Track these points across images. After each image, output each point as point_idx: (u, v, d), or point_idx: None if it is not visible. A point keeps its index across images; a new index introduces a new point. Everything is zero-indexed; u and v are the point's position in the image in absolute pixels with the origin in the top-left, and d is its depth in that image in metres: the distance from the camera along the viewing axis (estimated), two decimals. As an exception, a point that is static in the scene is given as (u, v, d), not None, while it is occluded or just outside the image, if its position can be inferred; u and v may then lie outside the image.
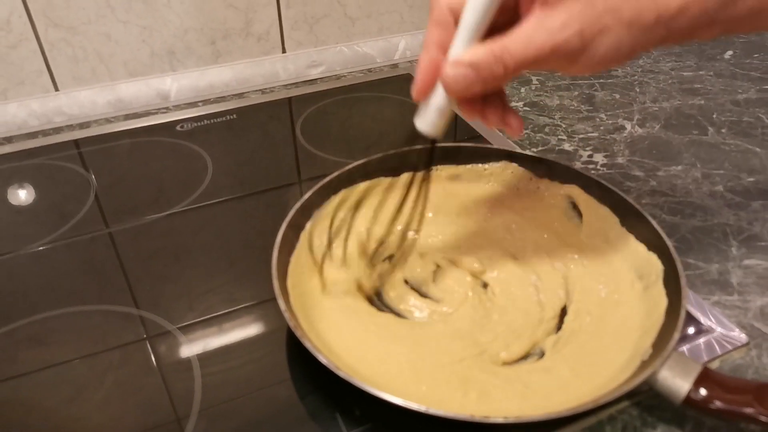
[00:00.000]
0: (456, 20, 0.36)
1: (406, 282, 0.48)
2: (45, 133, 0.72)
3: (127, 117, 0.74)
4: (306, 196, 0.50)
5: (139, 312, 0.48)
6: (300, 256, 0.48)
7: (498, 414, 0.35)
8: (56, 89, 0.73)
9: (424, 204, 0.46)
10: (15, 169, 0.65)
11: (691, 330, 0.45)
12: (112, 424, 0.40)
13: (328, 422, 0.39)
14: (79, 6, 0.69)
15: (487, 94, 0.40)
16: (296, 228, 0.49)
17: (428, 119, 0.39)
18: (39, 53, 0.70)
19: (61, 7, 0.68)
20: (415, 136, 0.40)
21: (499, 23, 0.36)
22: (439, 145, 0.57)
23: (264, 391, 0.42)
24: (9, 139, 0.70)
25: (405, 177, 0.45)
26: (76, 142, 0.69)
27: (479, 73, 0.35)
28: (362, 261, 0.48)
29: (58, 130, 0.72)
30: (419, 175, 0.45)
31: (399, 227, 0.47)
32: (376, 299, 0.47)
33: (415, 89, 0.38)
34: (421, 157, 0.43)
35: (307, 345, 0.37)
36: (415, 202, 0.46)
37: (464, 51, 0.35)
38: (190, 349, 0.45)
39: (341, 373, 0.36)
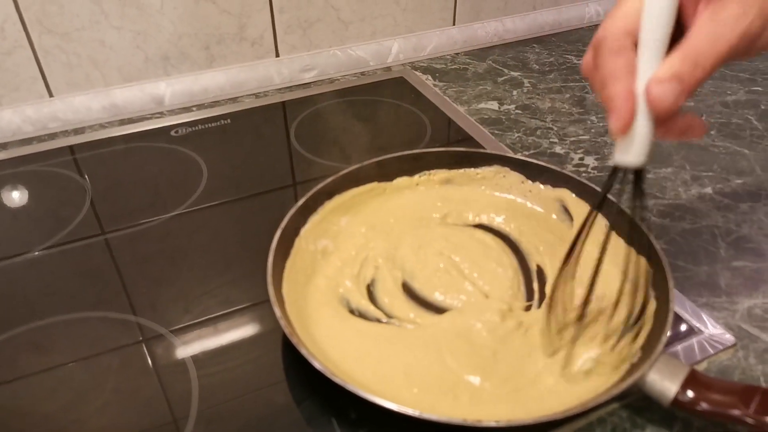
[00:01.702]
0: (633, 42, 0.35)
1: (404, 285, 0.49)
2: (40, 139, 0.72)
3: (122, 122, 0.75)
4: (300, 201, 0.51)
5: (136, 316, 0.48)
6: (295, 262, 0.48)
7: (490, 418, 0.35)
8: (51, 95, 0.73)
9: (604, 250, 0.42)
10: (10, 176, 0.66)
11: (679, 331, 0.45)
12: (110, 427, 0.41)
13: (324, 426, 0.40)
14: (72, 13, 0.69)
15: None
16: (291, 233, 0.50)
17: (635, 149, 0.36)
18: (33, 60, 0.70)
19: (54, 14, 0.68)
20: (618, 172, 0.38)
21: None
22: (434, 150, 0.59)
23: (260, 393, 0.43)
24: (4, 146, 0.71)
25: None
26: (71, 148, 0.70)
27: (684, 83, 0.34)
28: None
29: (52, 136, 0.72)
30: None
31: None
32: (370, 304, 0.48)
33: (620, 123, 0.35)
34: (633, 191, 0.39)
35: (303, 352, 0.38)
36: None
37: (659, 68, 0.34)
38: (186, 351, 0.45)
39: (336, 379, 0.37)
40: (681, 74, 0.33)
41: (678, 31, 0.34)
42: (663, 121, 0.36)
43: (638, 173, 0.38)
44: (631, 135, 0.36)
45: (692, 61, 0.33)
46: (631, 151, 0.36)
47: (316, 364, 0.37)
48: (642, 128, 0.35)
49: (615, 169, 0.37)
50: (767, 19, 0.34)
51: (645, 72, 0.34)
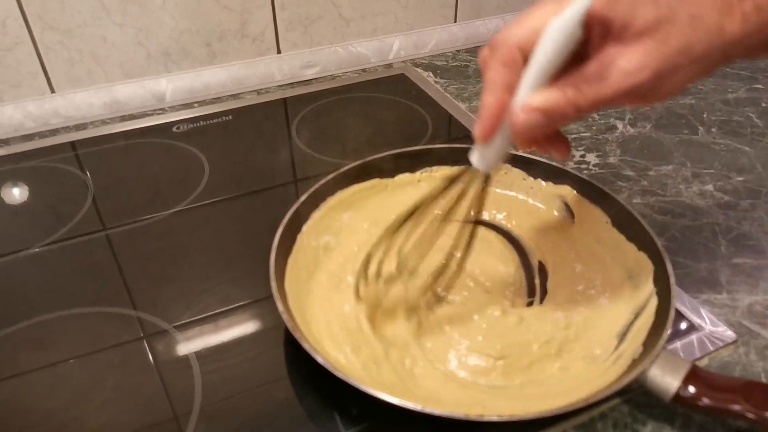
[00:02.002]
0: (525, 59, 0.35)
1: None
2: (41, 135, 0.72)
3: (123, 118, 0.75)
4: (302, 198, 0.51)
5: (137, 312, 0.48)
6: (297, 258, 0.48)
7: (492, 413, 0.35)
8: (52, 91, 0.73)
9: (471, 235, 0.44)
10: (12, 172, 0.66)
11: (680, 328, 0.46)
12: (112, 424, 0.41)
13: (326, 421, 0.40)
14: (74, 9, 0.69)
15: None
16: (293, 230, 0.50)
17: (487, 158, 0.38)
18: (35, 55, 0.70)
19: (56, 10, 0.68)
20: (468, 169, 0.40)
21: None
22: (435, 146, 0.59)
23: (262, 389, 0.43)
24: (5, 142, 0.71)
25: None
26: (73, 144, 0.70)
27: (551, 117, 0.34)
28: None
29: (54, 132, 0.72)
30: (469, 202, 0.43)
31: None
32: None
33: (481, 132, 0.36)
34: (476, 192, 0.41)
35: (306, 346, 0.38)
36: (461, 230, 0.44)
37: (535, 93, 0.34)
38: (189, 347, 0.45)
39: (338, 374, 0.37)
40: (550, 108, 0.33)
41: (581, 56, 0.34)
42: (522, 142, 0.36)
43: (486, 177, 0.40)
44: (489, 144, 0.37)
45: (569, 100, 0.33)
46: (484, 159, 0.38)
47: (319, 359, 0.38)
48: (500, 142, 0.37)
49: (467, 168, 0.39)
50: (662, 80, 0.33)
51: (523, 92, 0.34)
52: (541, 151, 0.40)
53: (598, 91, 0.33)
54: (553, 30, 0.33)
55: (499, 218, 0.55)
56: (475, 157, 0.39)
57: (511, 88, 0.35)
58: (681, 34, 0.32)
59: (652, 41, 0.32)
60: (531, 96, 0.34)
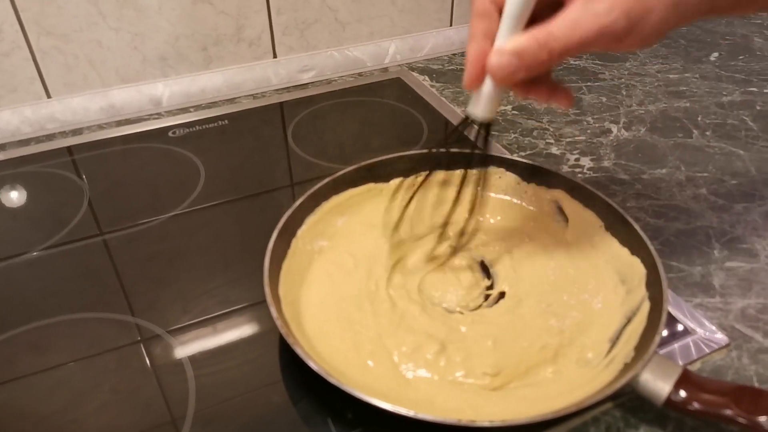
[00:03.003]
0: (499, 11, 0.37)
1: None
2: (38, 139, 0.72)
3: (120, 123, 0.75)
4: (297, 202, 0.51)
5: (134, 317, 0.49)
6: (292, 263, 0.48)
7: (484, 418, 0.36)
8: (48, 96, 0.73)
9: (483, 185, 0.48)
10: (8, 177, 0.66)
11: (673, 332, 0.46)
12: (109, 427, 0.41)
13: (320, 425, 0.40)
14: (70, 14, 0.69)
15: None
16: (288, 235, 0.50)
17: (480, 105, 0.41)
18: (31, 61, 0.70)
19: (52, 15, 0.69)
20: (468, 121, 0.43)
21: (545, 13, 0.37)
22: (431, 150, 0.59)
23: (257, 393, 0.43)
24: (2, 147, 0.71)
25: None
26: (69, 149, 0.70)
27: (523, 60, 0.36)
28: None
29: (50, 137, 0.72)
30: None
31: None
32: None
33: (466, 79, 0.40)
34: (478, 140, 0.45)
35: (299, 352, 0.38)
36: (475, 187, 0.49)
37: (508, 39, 0.37)
38: (184, 352, 0.46)
39: (332, 380, 0.37)
40: (522, 51, 0.36)
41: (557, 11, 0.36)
42: (509, 86, 0.40)
43: (486, 126, 0.43)
44: (480, 92, 0.40)
45: (540, 43, 0.36)
46: (478, 106, 0.41)
47: (312, 365, 0.38)
48: (487, 88, 0.40)
49: (466, 118, 0.43)
50: (634, 21, 0.35)
51: (499, 40, 0.38)
52: (540, 101, 0.43)
53: (568, 34, 0.35)
54: None
55: (492, 223, 0.55)
56: (470, 107, 0.42)
57: (491, 38, 0.38)
58: None
59: None
60: (505, 41, 0.37)
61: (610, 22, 0.35)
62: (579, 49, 0.36)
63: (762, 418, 0.35)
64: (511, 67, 0.37)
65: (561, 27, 0.35)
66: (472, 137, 0.45)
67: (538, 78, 0.40)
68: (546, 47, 0.36)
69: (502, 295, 0.48)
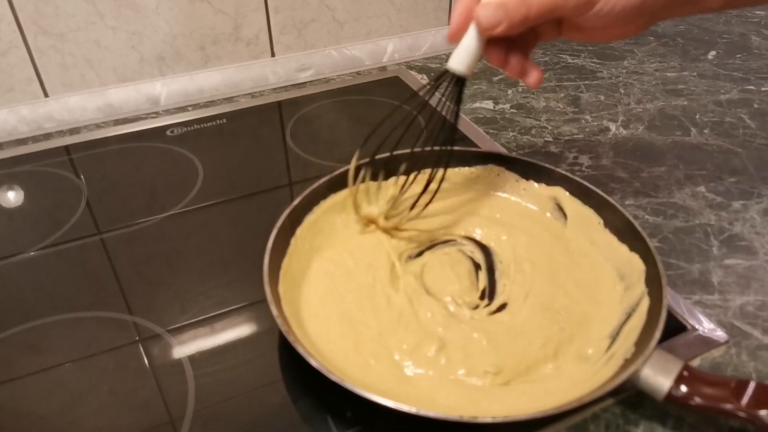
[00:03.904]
0: None
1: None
2: (35, 139, 0.72)
3: (117, 122, 0.75)
4: (296, 201, 0.51)
5: (132, 316, 0.49)
6: (290, 262, 0.48)
7: (486, 414, 0.36)
8: (46, 95, 0.73)
9: (452, 143, 0.50)
10: (5, 176, 0.66)
11: (672, 329, 0.46)
12: (107, 428, 0.41)
13: (320, 424, 0.40)
14: (68, 13, 0.69)
15: (511, 42, 0.46)
16: (287, 233, 0.50)
17: (460, 59, 0.44)
18: (28, 60, 0.70)
19: (50, 15, 0.68)
20: (448, 74, 0.46)
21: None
22: (429, 149, 0.59)
23: (256, 392, 0.43)
24: (-1, 146, 0.71)
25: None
26: (67, 148, 0.70)
27: (508, 12, 0.41)
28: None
29: (48, 136, 0.72)
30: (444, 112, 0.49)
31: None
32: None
33: (451, 30, 0.45)
34: (452, 96, 0.47)
35: (300, 350, 0.38)
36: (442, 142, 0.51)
37: None
38: (183, 351, 0.45)
39: (333, 377, 0.37)
40: (506, 3, 0.41)
41: None
42: (489, 45, 0.44)
43: (461, 82, 0.46)
44: (461, 46, 0.44)
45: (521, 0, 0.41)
46: (457, 60, 0.45)
47: (313, 362, 0.38)
48: (468, 42, 0.44)
49: (445, 72, 0.45)
50: None
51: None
52: (510, 72, 0.46)
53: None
54: None
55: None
56: (450, 61, 0.45)
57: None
58: None
59: None
60: None
61: None
62: (555, 9, 0.42)
63: (763, 412, 0.35)
64: (496, 17, 0.42)
65: None
66: (445, 95, 0.47)
67: (513, 50, 0.46)
68: (526, 2, 0.41)
69: (503, 305, 0.48)
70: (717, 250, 0.54)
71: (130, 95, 0.77)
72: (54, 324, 0.48)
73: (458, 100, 0.48)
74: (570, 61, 0.89)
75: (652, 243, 0.46)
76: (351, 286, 0.48)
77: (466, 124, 0.73)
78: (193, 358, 0.45)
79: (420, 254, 0.52)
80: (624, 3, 0.42)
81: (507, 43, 0.46)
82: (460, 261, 0.51)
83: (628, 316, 0.44)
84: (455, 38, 0.45)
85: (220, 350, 0.46)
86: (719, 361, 0.44)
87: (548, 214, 0.55)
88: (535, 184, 0.56)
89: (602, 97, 0.79)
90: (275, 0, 0.78)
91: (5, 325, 0.48)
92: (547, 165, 0.56)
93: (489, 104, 0.78)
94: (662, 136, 0.70)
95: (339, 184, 0.55)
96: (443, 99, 0.48)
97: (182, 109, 0.78)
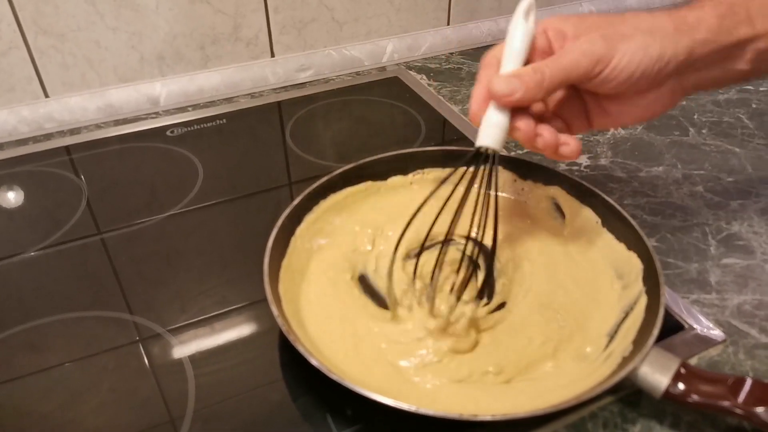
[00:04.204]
0: (499, 63, 0.43)
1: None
2: (36, 139, 0.72)
3: (117, 123, 0.75)
4: (296, 201, 0.51)
5: (132, 316, 0.49)
6: (291, 261, 0.49)
7: (486, 412, 0.36)
8: (46, 96, 0.73)
9: (485, 219, 0.46)
10: (6, 176, 0.66)
11: (670, 327, 0.46)
12: (107, 427, 0.41)
13: (320, 423, 0.40)
14: (68, 13, 0.69)
15: (538, 115, 0.45)
16: (287, 233, 0.50)
17: (488, 133, 0.43)
18: (29, 60, 0.70)
19: (50, 15, 0.69)
20: (477, 154, 0.44)
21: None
22: (428, 149, 0.59)
23: (257, 391, 0.43)
24: (0, 146, 0.71)
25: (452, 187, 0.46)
26: (67, 149, 0.70)
27: (521, 80, 0.41)
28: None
29: (48, 137, 0.72)
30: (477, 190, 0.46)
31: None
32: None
33: (471, 112, 0.44)
34: (485, 173, 0.45)
35: (300, 349, 0.39)
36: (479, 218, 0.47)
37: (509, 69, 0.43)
38: (183, 351, 0.46)
39: (333, 376, 0.37)
40: (520, 73, 0.41)
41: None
42: (514, 117, 0.43)
43: (492, 158, 0.44)
44: (484, 123, 0.43)
45: (534, 68, 0.41)
46: (484, 136, 0.43)
47: (313, 361, 0.38)
48: (491, 118, 0.43)
49: (478, 150, 0.44)
50: (611, 44, 0.41)
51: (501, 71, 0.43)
52: (549, 149, 0.44)
53: (556, 59, 0.42)
54: (510, 26, 0.43)
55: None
56: (478, 139, 0.44)
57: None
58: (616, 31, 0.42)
59: (600, 29, 0.42)
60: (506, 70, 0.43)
61: (588, 44, 0.41)
62: (568, 73, 0.41)
63: (759, 409, 0.35)
64: (510, 86, 0.41)
65: (551, 58, 0.42)
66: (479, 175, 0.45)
67: (542, 124, 0.44)
68: (540, 71, 0.41)
69: (502, 304, 0.48)
70: (715, 250, 0.54)
71: (131, 95, 0.77)
72: (54, 323, 0.48)
73: (492, 171, 0.45)
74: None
75: (650, 242, 0.46)
76: (351, 285, 0.49)
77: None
78: (194, 358, 0.45)
79: (419, 253, 0.52)
80: (639, 58, 0.41)
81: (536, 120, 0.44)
82: (459, 260, 0.51)
83: (626, 314, 0.44)
84: (477, 118, 0.44)
85: (220, 349, 0.46)
86: (716, 359, 0.45)
87: (547, 214, 0.56)
88: (534, 184, 0.56)
89: (601, 97, 0.79)
90: (275, 0, 0.78)
91: (6, 325, 0.48)
92: (545, 164, 0.56)
93: (488, 104, 0.78)
94: (660, 136, 0.71)
95: (339, 184, 0.55)
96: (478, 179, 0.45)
97: (182, 109, 0.78)
